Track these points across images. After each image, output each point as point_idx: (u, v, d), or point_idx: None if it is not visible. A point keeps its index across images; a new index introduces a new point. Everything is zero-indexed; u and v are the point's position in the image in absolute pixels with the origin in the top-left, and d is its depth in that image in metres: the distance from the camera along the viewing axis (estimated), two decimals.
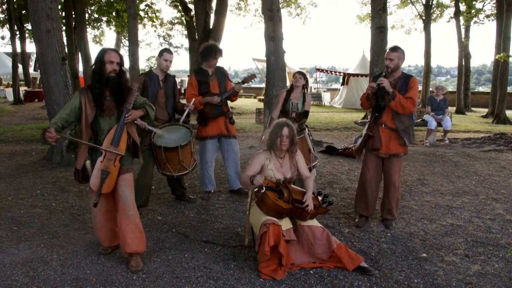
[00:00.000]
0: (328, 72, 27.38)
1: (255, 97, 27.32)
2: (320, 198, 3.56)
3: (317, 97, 24.42)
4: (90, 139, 3.37)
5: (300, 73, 5.41)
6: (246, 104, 21.29)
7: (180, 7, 20.75)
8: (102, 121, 3.36)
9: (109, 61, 3.28)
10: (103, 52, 3.33)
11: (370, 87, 4.09)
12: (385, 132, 4.18)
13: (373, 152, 4.24)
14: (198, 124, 5.08)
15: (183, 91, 29.89)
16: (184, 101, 5.04)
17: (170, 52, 4.73)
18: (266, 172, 3.48)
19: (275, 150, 3.52)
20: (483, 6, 21.01)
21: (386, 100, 4.07)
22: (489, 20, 21.37)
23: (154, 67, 4.82)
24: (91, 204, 3.38)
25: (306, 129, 5.13)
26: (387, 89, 4.01)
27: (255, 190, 3.38)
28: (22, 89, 23.36)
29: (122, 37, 25.06)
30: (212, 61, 4.89)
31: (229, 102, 5.15)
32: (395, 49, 4.08)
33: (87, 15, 20.47)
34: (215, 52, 4.86)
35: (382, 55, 9.71)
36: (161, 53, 4.68)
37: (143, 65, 28.25)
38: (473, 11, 20.17)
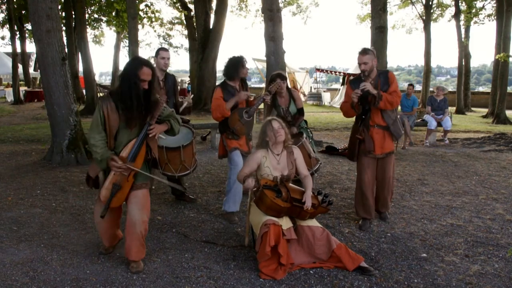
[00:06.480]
0: (328, 72, 27.38)
1: (254, 98, 27.25)
2: (320, 197, 3.56)
3: (317, 97, 24.40)
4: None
5: (280, 77, 4.96)
6: None
7: (180, 7, 20.76)
8: (121, 133, 3.17)
9: (143, 80, 3.08)
10: (138, 67, 3.06)
11: (355, 94, 4.02)
12: (379, 133, 4.19)
13: (368, 155, 4.21)
14: (227, 136, 4.55)
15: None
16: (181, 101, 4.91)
17: (165, 50, 4.72)
18: (263, 170, 3.49)
19: (272, 147, 3.55)
20: (483, 6, 21.02)
21: (372, 103, 4.07)
22: (489, 20, 21.37)
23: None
24: (96, 213, 3.31)
25: (304, 134, 4.96)
26: (371, 92, 4.01)
27: (253, 189, 3.39)
28: (22, 89, 23.38)
29: (122, 37, 25.06)
30: (243, 71, 4.49)
31: None
32: (366, 51, 4.08)
33: (87, 15, 20.46)
34: (242, 61, 4.46)
35: (382, 55, 9.72)
36: (157, 52, 4.68)
37: None
38: (473, 10, 20.16)
